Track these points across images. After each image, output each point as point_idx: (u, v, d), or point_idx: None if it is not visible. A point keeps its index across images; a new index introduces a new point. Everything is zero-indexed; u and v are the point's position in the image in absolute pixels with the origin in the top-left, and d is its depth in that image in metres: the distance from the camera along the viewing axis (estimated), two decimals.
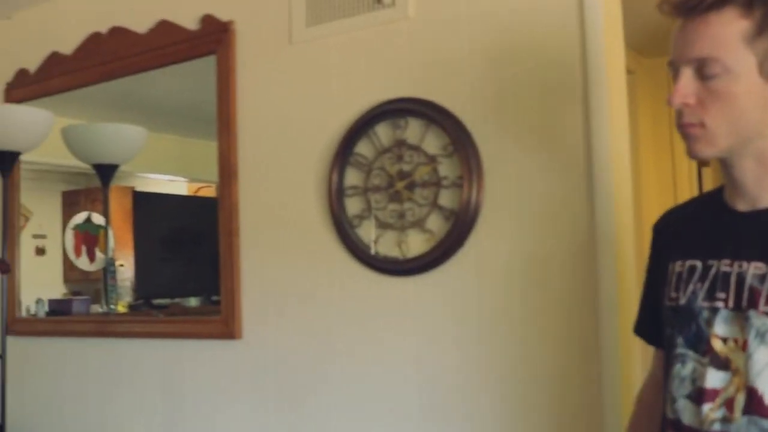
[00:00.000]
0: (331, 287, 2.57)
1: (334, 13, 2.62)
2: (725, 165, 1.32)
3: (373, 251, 2.47)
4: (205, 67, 2.92)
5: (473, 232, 2.29)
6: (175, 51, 2.97)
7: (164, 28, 3.01)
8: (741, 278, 1.26)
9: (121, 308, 3.67)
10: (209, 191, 3.64)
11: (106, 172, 3.42)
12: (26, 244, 3.61)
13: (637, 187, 3.62)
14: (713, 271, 1.30)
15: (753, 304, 1.23)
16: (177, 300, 3.69)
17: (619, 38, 2.32)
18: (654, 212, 2.33)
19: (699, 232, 1.39)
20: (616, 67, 2.23)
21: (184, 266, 3.66)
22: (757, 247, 1.26)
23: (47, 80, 3.37)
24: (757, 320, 1.22)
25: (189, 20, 2.95)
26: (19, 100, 3.44)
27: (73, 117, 3.50)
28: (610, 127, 2.12)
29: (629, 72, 3.07)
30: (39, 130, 3.14)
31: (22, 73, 3.47)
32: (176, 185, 3.92)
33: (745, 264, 1.26)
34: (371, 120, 2.48)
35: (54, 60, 3.36)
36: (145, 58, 3.06)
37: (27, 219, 3.65)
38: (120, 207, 3.75)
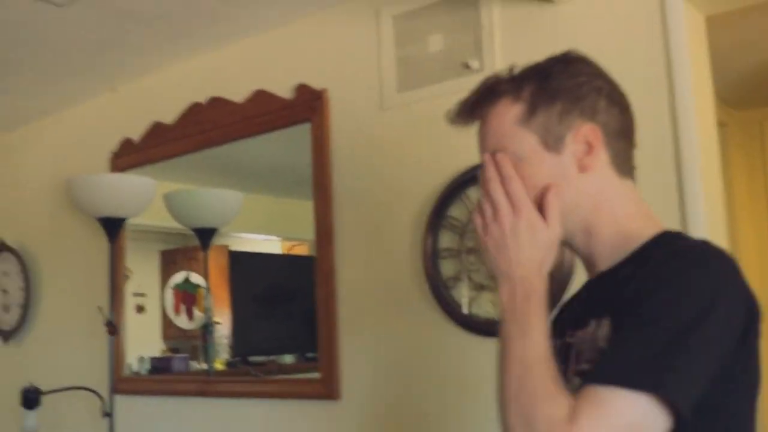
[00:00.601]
0: (428, 348, 2.60)
1: (424, 79, 2.69)
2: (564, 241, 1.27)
3: (467, 312, 2.50)
4: (298, 130, 3.01)
5: (568, 293, 2.30)
6: (271, 119, 3.09)
7: (260, 97, 3.13)
8: (577, 347, 1.22)
9: (219, 365, 3.74)
10: (302, 249, 3.74)
11: (205, 235, 3.54)
12: (127, 302, 3.75)
13: (734, 244, 3.53)
14: (564, 344, 1.26)
15: (570, 366, 1.20)
16: (272, 357, 3.74)
17: (708, 93, 2.31)
18: (752, 273, 2.30)
19: (566, 307, 1.39)
20: (706, 124, 2.23)
21: (279, 324, 3.69)
22: (589, 310, 1.21)
23: (150, 149, 3.54)
24: (570, 383, 1.15)
25: (284, 89, 3.06)
26: (124, 168, 3.61)
27: (174, 182, 3.65)
28: (703, 185, 2.11)
29: (721, 125, 3.05)
30: (143, 197, 3.30)
31: (126, 143, 3.65)
32: (270, 244, 4.02)
33: (581, 332, 1.21)
34: (462, 184, 2.52)
35: (156, 129, 3.52)
36: (243, 126, 3.18)
37: (128, 278, 3.79)
38: (216, 265, 3.82)
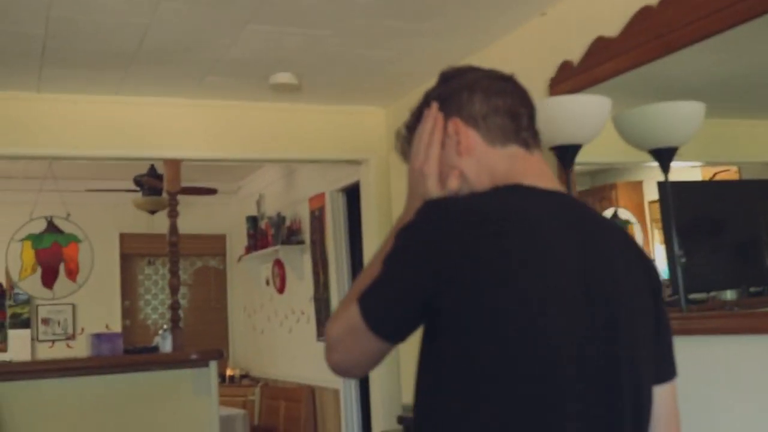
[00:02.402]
0: None
1: None
2: None
3: None
4: (733, 37, 2.62)
5: None
6: (746, 7, 2.60)
7: None
8: None
9: None
10: (728, 175, 3.43)
11: (664, 156, 3.15)
12: None
13: None
14: None
15: None
16: (712, 294, 3.38)
17: None
18: None
19: None
20: None
21: (716, 257, 3.39)
22: None
23: (593, 68, 3.22)
24: None
25: None
26: (565, 94, 3.33)
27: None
28: None
29: None
30: (597, 118, 2.99)
31: (565, 66, 3.37)
32: (688, 171, 3.58)
33: None
34: None
35: (599, 45, 3.19)
36: (709, 22, 2.73)
37: None
38: (630, 203, 3.67)
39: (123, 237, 8.02)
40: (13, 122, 4.32)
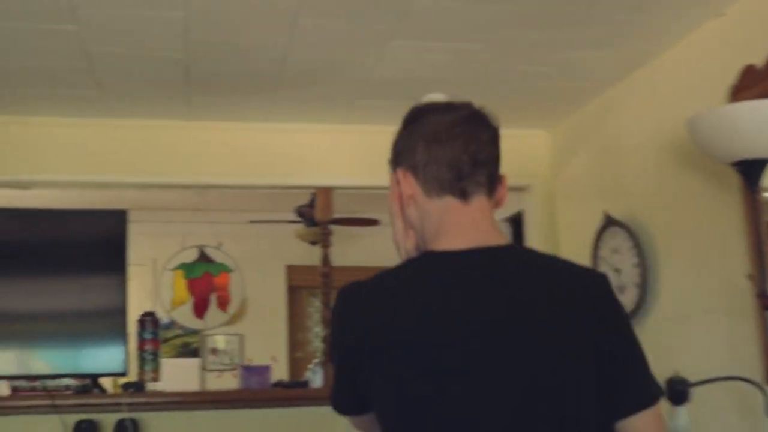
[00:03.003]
0: None
1: None
2: None
3: None
4: None
5: None
6: None
7: None
8: None
9: None
10: None
11: None
12: None
13: None
14: None
15: None
16: None
17: None
18: None
19: None
20: None
21: None
22: None
23: None
24: None
25: None
26: None
27: None
28: None
29: None
30: None
31: (748, 71, 2.91)
32: None
33: None
34: None
35: None
36: None
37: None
38: None
39: (290, 269, 7.99)
40: (163, 151, 4.28)
